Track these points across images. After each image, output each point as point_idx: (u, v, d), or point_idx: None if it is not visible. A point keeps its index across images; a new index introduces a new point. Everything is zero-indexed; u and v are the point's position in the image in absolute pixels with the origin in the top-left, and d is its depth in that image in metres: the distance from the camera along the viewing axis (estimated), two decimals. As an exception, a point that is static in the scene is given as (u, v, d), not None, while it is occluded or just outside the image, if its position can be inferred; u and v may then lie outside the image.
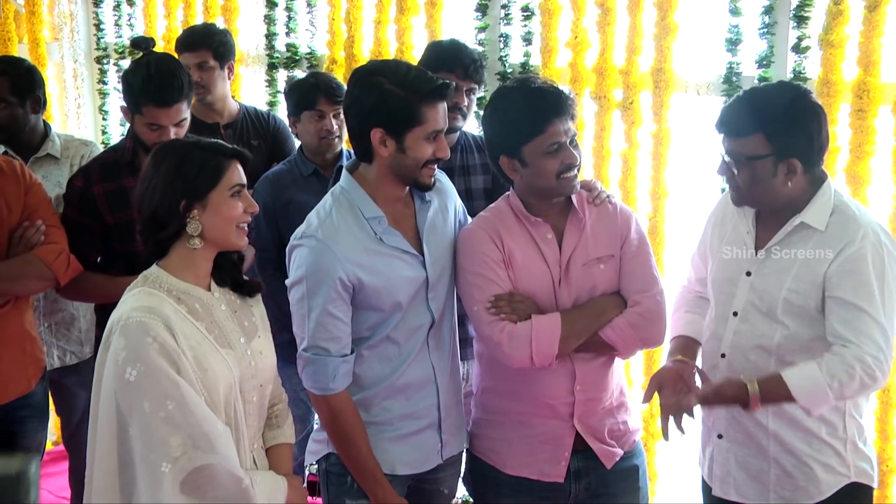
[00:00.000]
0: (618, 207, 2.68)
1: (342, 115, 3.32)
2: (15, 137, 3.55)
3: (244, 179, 2.30)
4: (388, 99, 2.39)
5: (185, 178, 2.22)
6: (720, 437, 2.69)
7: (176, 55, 3.67)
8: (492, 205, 2.72)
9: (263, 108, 4.26)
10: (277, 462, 2.49)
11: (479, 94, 3.37)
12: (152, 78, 2.95)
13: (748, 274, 2.58)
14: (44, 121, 3.65)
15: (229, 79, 3.86)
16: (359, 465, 2.56)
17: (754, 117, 2.42)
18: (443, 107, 2.44)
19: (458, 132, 3.29)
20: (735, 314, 2.60)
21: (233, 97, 4.02)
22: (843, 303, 2.40)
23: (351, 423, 2.54)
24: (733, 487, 2.67)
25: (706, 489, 2.80)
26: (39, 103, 3.56)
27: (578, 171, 2.57)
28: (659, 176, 3.59)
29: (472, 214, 3.16)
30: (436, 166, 2.51)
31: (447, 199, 2.69)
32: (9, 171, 2.99)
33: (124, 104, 3.10)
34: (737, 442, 2.65)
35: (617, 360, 2.71)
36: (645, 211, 3.62)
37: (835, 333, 2.41)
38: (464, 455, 2.84)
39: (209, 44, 3.75)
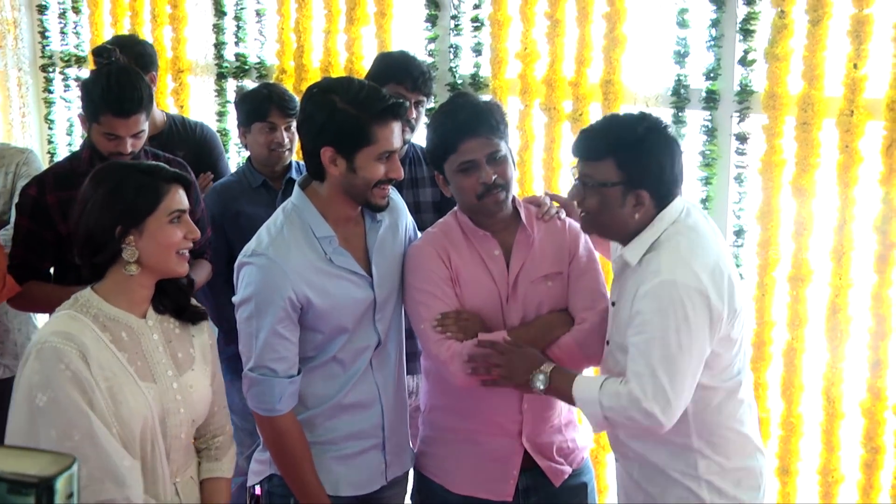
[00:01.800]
0: (567, 223, 2.68)
1: (293, 128, 3.31)
2: None
3: (185, 205, 2.24)
4: (339, 117, 2.37)
5: (122, 203, 2.17)
6: (616, 460, 2.67)
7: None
8: (440, 220, 2.71)
9: (213, 117, 4.24)
10: (210, 496, 2.42)
11: (429, 105, 3.38)
12: (112, 88, 2.93)
13: (613, 304, 2.56)
14: None
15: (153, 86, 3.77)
16: (303, 486, 2.53)
17: (607, 143, 2.37)
18: (396, 126, 2.41)
19: (407, 145, 3.28)
20: (608, 343, 2.57)
21: (159, 108, 3.95)
22: (633, 339, 2.35)
23: (295, 444, 2.51)
24: None
25: None
26: None
27: (506, 190, 2.54)
28: (609, 187, 3.59)
29: (422, 228, 3.15)
30: (389, 187, 2.48)
31: (398, 217, 2.67)
32: None
33: (82, 112, 3.08)
34: (621, 465, 2.65)
35: None
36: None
37: (628, 368, 2.37)
38: (410, 474, 2.82)
39: (128, 55, 3.63)
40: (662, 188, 2.39)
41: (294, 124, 3.27)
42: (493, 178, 2.50)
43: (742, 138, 3.38)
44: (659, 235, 2.39)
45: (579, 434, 2.79)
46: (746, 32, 3.31)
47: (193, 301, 2.40)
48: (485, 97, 2.67)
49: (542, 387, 2.44)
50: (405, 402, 2.75)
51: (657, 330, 2.29)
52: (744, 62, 3.33)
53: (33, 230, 3.07)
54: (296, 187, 2.53)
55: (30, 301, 3.11)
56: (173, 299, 2.32)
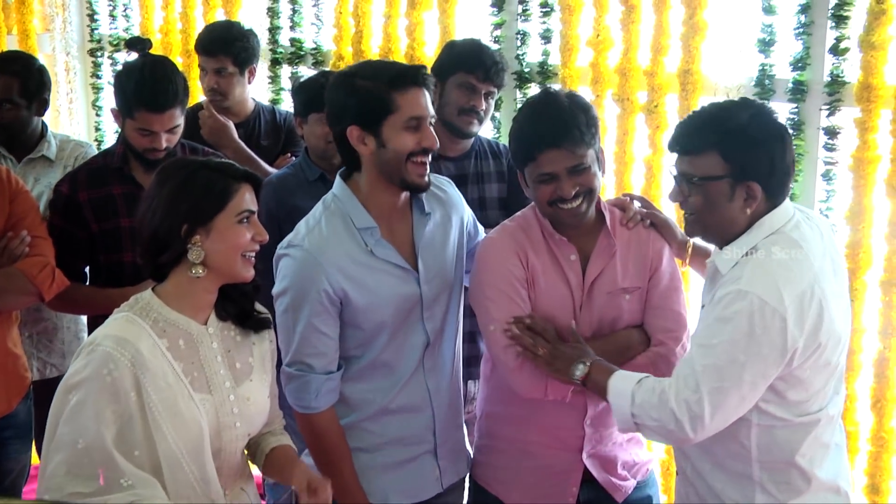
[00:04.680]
0: (651, 235, 2.60)
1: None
2: (14, 138, 3.53)
3: (254, 205, 2.21)
4: (358, 92, 2.36)
5: (189, 200, 2.13)
6: (677, 473, 2.59)
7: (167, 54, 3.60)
8: (520, 213, 2.64)
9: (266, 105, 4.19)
10: (284, 458, 2.38)
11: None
12: (146, 82, 2.93)
13: (703, 307, 2.45)
14: (42, 121, 3.63)
15: (250, 82, 3.78)
16: (342, 488, 2.50)
17: (709, 133, 2.27)
18: (419, 92, 2.38)
19: (474, 138, 3.24)
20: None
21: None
22: (691, 341, 2.28)
23: (334, 444, 2.49)
24: None
25: None
26: (45, 105, 3.56)
27: (588, 200, 2.46)
28: (685, 183, 3.49)
29: (487, 224, 3.08)
30: (428, 160, 2.42)
31: (451, 211, 2.61)
32: None
33: (115, 107, 3.08)
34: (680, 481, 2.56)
35: None
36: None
37: (675, 369, 2.30)
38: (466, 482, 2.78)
39: (229, 51, 3.66)
40: (774, 180, 2.27)
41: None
42: (574, 190, 2.42)
43: (832, 132, 3.27)
44: (756, 243, 2.26)
45: (643, 449, 2.75)
46: (839, 19, 3.19)
47: (259, 307, 2.36)
48: (565, 91, 2.57)
49: (578, 375, 2.38)
50: (460, 406, 2.72)
51: (714, 337, 2.18)
52: (835, 51, 3.21)
53: (66, 229, 3.07)
54: (337, 178, 2.51)
55: (66, 303, 3.10)
56: (237, 305, 2.29)
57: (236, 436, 2.23)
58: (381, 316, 2.45)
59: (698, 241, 2.54)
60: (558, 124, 2.40)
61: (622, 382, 2.31)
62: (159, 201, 2.15)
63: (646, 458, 2.74)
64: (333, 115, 2.44)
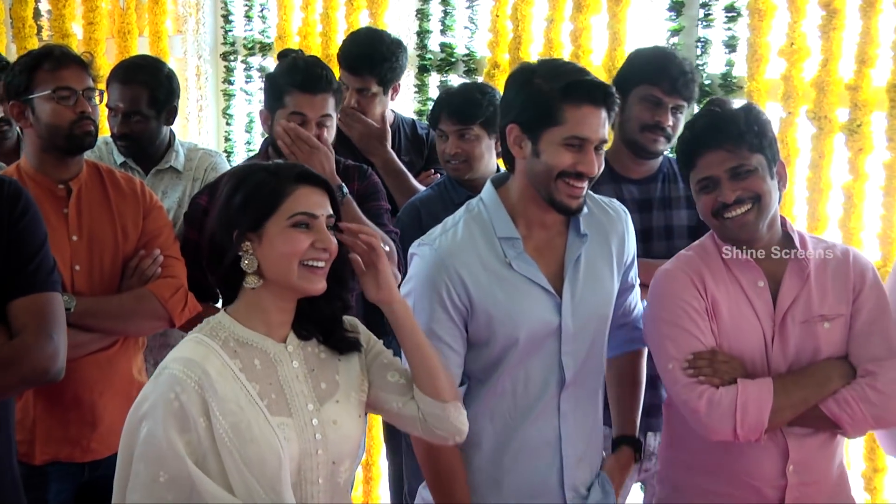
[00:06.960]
0: (851, 254, 2.48)
1: (473, 137, 3.18)
2: (143, 150, 3.50)
3: (317, 210, 2.07)
4: (529, 91, 2.30)
5: (239, 203, 2.06)
6: None
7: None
8: (699, 240, 2.55)
9: (411, 116, 4.11)
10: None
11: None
12: (299, 67, 2.95)
13: None
14: (170, 130, 3.60)
15: (393, 99, 3.69)
16: None
17: None
18: (596, 113, 2.27)
19: (661, 157, 3.07)
20: None
21: None
22: None
23: (448, 460, 2.38)
24: None
25: None
26: (174, 114, 3.53)
27: (757, 207, 2.36)
28: (892, 216, 3.26)
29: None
30: (583, 186, 2.31)
31: (612, 238, 2.49)
32: (128, 191, 2.90)
33: (263, 108, 3.04)
34: None
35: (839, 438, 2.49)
36: (873, 258, 3.25)
37: None
38: None
39: (375, 72, 3.58)
40: None
41: (473, 133, 3.16)
42: (735, 194, 2.36)
43: None
44: None
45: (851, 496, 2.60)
46: None
47: (354, 324, 2.24)
48: (740, 101, 2.56)
49: None
50: (600, 453, 2.59)
51: None
52: None
53: (201, 243, 2.94)
54: (487, 183, 2.47)
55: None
56: (320, 326, 2.17)
57: (318, 464, 2.11)
58: (511, 335, 2.35)
59: None
60: (716, 124, 2.39)
61: None
62: (219, 205, 2.12)
63: None
64: (502, 107, 2.43)
